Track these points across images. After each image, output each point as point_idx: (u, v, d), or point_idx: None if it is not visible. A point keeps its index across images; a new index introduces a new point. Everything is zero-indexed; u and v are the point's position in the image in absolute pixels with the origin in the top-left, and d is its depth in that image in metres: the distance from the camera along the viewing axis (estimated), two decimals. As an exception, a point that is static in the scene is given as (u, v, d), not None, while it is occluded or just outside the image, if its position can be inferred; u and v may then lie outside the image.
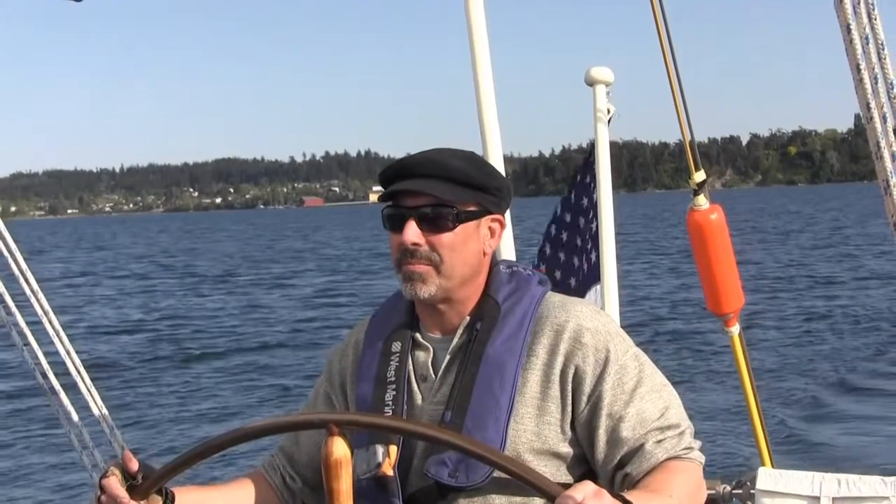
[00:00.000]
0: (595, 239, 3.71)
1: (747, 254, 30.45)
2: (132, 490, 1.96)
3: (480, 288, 2.21)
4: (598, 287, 3.72)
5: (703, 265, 3.50)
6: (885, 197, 2.45)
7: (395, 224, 2.14)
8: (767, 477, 3.02)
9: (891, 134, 2.45)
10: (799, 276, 27.72)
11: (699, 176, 3.43)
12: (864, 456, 9.22)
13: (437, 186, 2.10)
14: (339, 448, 1.80)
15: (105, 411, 2.67)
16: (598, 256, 3.67)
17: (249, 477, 2.34)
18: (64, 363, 2.64)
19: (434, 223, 2.11)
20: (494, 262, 2.26)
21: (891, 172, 2.44)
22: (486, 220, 2.19)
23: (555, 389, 2.11)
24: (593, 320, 2.16)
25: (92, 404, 2.65)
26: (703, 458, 2.13)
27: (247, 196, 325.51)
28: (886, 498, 2.89)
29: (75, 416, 2.67)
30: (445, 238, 2.12)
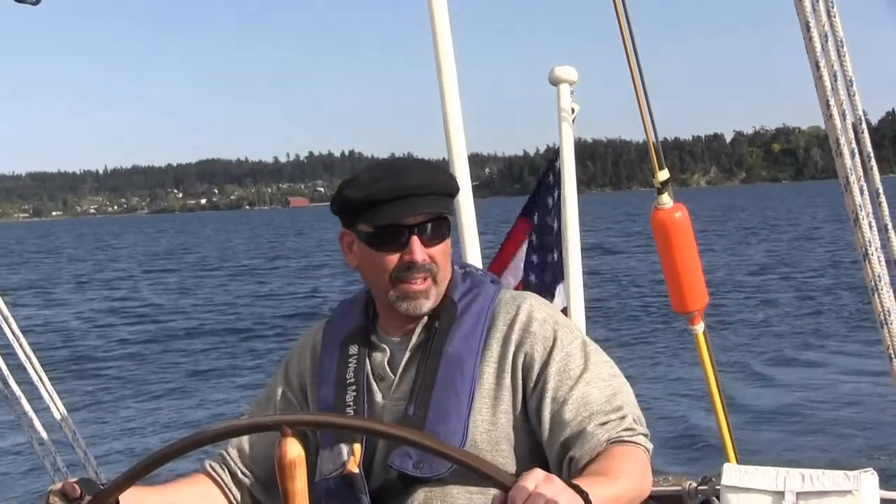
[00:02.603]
0: (558, 238, 3.72)
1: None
2: None
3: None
4: (562, 286, 3.73)
5: (667, 263, 3.50)
6: (846, 194, 2.47)
7: (395, 243, 2.18)
8: (732, 473, 3.03)
9: (850, 131, 2.47)
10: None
11: (663, 175, 3.44)
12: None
13: (433, 202, 2.19)
14: (293, 449, 1.78)
15: (66, 413, 2.65)
16: (559, 255, 3.69)
17: (192, 477, 2.35)
18: (24, 367, 2.63)
19: (432, 237, 2.20)
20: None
21: (850, 169, 2.45)
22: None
23: (507, 379, 2.18)
24: (541, 311, 2.24)
25: (53, 408, 2.64)
26: (650, 445, 2.15)
27: (231, 197, 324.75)
28: (849, 492, 2.90)
29: (37, 422, 2.66)
30: (441, 248, 2.23)
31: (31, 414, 2.65)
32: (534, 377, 2.17)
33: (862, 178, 2.46)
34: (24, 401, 2.64)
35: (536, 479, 1.71)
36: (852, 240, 2.48)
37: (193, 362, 17.43)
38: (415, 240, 2.17)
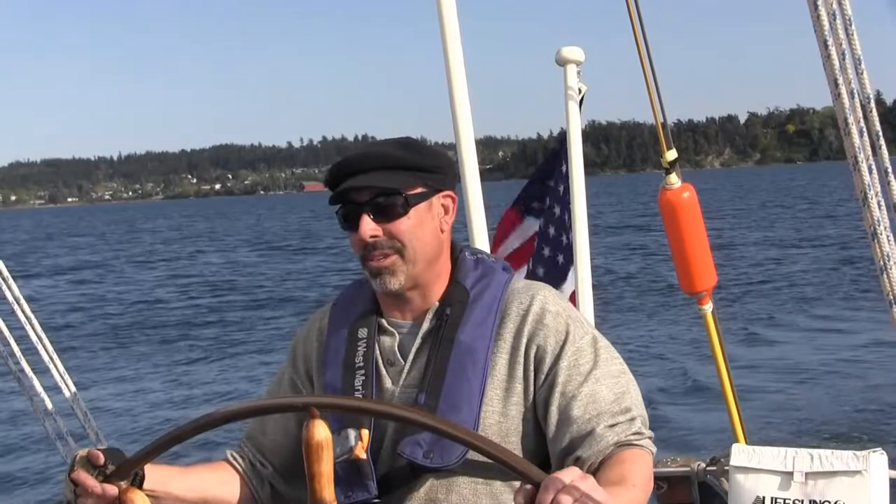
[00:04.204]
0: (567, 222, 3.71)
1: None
2: (104, 479, 1.94)
3: (445, 271, 2.26)
4: (572, 269, 3.72)
5: (675, 244, 3.50)
6: (854, 173, 2.46)
7: (351, 222, 2.18)
8: (741, 453, 3.03)
9: (859, 110, 2.45)
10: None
11: (671, 155, 3.43)
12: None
13: (378, 177, 2.15)
14: (321, 431, 1.78)
15: (76, 393, 2.67)
16: (568, 238, 3.68)
17: (215, 464, 2.36)
18: (36, 349, 2.65)
19: (385, 212, 2.16)
20: (459, 249, 2.31)
21: (859, 148, 2.44)
22: (437, 199, 2.24)
23: (519, 370, 2.17)
24: (555, 304, 2.22)
25: (64, 388, 2.66)
26: (654, 448, 2.15)
27: (246, 182, 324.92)
28: (858, 472, 2.90)
29: (48, 403, 2.68)
30: (402, 224, 2.16)
31: (43, 394, 2.67)
32: (544, 370, 2.16)
33: (871, 158, 2.45)
34: (35, 381, 2.66)
35: (573, 475, 1.71)
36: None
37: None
38: (362, 217, 2.15)
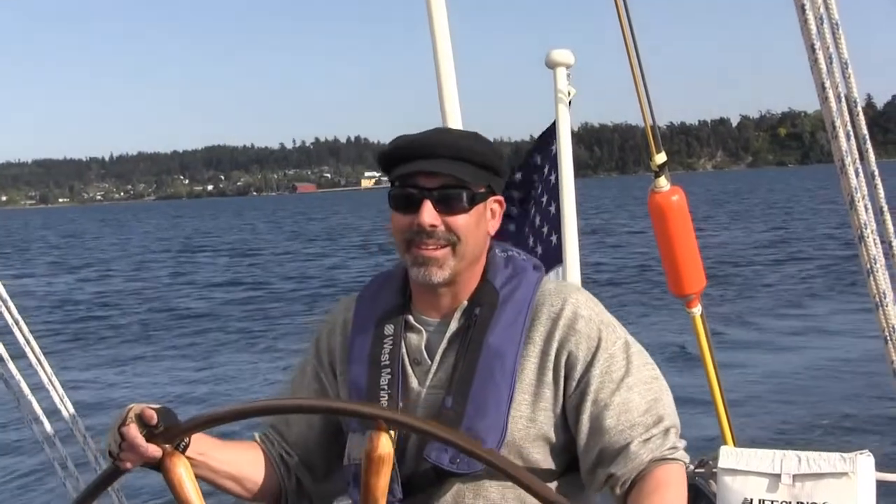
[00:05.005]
0: (554, 221, 3.71)
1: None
2: (151, 438, 1.92)
3: (479, 271, 2.20)
4: (560, 269, 3.73)
5: (664, 247, 3.49)
6: (841, 176, 2.47)
7: (407, 205, 2.10)
8: (729, 455, 3.03)
9: (846, 113, 2.46)
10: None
11: (660, 158, 3.43)
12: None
13: (454, 167, 2.08)
14: (385, 445, 1.76)
15: (63, 394, 2.66)
16: (559, 238, 3.68)
17: (248, 443, 2.31)
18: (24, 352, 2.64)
19: (450, 204, 2.09)
20: (490, 246, 2.24)
21: (846, 152, 2.45)
22: (490, 202, 2.18)
23: (549, 376, 2.11)
24: (587, 308, 2.16)
25: (51, 390, 2.65)
26: (687, 458, 2.13)
27: (238, 183, 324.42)
28: (845, 474, 2.91)
29: (36, 407, 2.67)
30: (462, 219, 2.10)
31: (29, 395, 2.66)
32: (576, 377, 2.11)
33: (857, 161, 2.46)
34: (23, 384, 2.65)
35: None
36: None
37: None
38: (425, 203, 2.07)
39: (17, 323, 2.63)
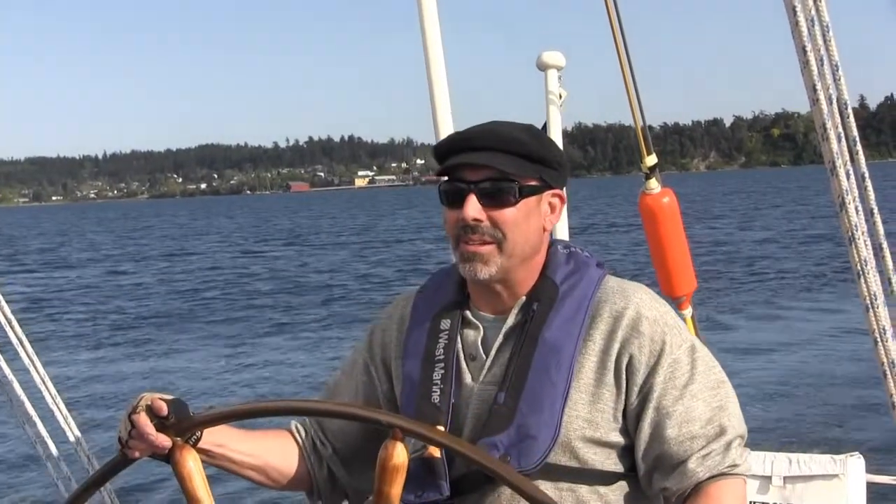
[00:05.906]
0: None
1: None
2: (161, 428, 1.89)
3: (538, 268, 2.13)
4: None
5: (655, 248, 3.50)
6: (832, 178, 2.47)
7: (454, 199, 2.05)
8: (720, 457, 3.05)
9: (837, 115, 2.47)
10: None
11: (651, 160, 3.44)
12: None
13: (497, 159, 2.02)
14: (400, 454, 1.73)
15: (56, 395, 2.66)
16: None
17: (278, 432, 2.28)
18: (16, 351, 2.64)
19: (495, 198, 2.03)
20: (551, 242, 2.19)
21: (836, 154, 2.46)
22: (546, 196, 2.11)
23: (609, 377, 2.04)
24: (652, 309, 2.08)
25: (44, 390, 2.65)
26: (749, 469, 2.08)
27: (232, 182, 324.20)
28: (836, 476, 2.93)
29: (29, 407, 2.67)
30: (508, 213, 2.03)
31: (23, 395, 2.65)
32: (638, 382, 2.04)
33: (848, 163, 2.46)
34: (16, 384, 2.64)
35: None
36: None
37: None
38: (469, 197, 2.01)
39: (9, 322, 2.62)
